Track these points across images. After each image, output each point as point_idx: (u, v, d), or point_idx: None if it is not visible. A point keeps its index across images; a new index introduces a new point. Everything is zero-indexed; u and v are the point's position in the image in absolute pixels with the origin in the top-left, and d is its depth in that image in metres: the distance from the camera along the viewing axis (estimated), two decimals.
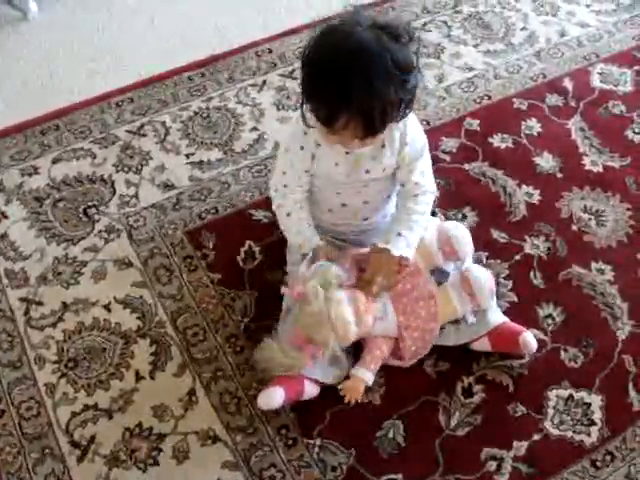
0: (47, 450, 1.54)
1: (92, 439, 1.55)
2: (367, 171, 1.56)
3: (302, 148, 1.55)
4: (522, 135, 2.07)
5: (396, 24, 1.40)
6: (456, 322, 1.62)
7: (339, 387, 1.55)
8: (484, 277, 1.61)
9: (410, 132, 1.55)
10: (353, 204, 1.64)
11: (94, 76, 2.25)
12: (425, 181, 1.60)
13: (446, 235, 1.62)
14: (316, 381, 1.55)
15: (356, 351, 1.60)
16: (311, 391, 1.56)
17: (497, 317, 1.63)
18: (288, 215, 1.63)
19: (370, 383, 1.55)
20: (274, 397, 1.51)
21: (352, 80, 1.34)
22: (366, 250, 1.63)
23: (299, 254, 1.61)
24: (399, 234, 1.57)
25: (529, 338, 1.60)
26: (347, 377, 1.56)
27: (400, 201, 1.66)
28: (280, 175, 1.62)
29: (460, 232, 1.63)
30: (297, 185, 1.61)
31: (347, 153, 1.53)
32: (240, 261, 1.81)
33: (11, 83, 2.24)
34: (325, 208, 1.67)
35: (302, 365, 1.51)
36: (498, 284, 1.72)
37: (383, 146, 1.54)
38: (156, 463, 1.52)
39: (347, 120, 1.37)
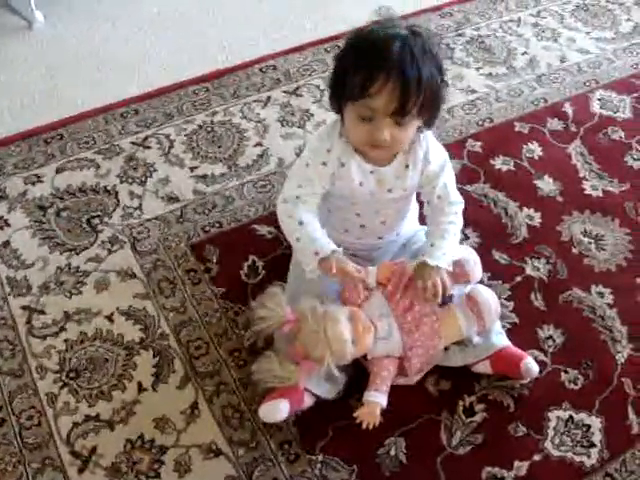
0: (47, 460, 1.53)
1: (93, 450, 1.54)
2: (389, 190, 1.58)
3: (324, 164, 1.55)
4: (523, 158, 2.10)
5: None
6: (460, 343, 1.62)
7: (354, 415, 1.52)
8: (491, 298, 1.62)
9: (432, 150, 1.58)
10: (371, 224, 1.66)
11: (98, 87, 2.26)
12: (449, 193, 1.62)
13: (458, 257, 1.61)
14: (311, 392, 1.55)
15: (356, 370, 1.60)
16: (308, 402, 1.56)
17: (501, 340, 1.64)
18: (301, 224, 1.55)
19: (385, 405, 1.53)
20: (278, 410, 1.50)
21: (391, 45, 1.39)
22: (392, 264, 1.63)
23: (308, 266, 1.54)
24: (432, 245, 1.59)
25: (531, 364, 1.60)
26: (361, 404, 1.54)
27: (430, 217, 1.66)
28: (294, 188, 1.58)
29: (471, 255, 1.64)
30: (312, 199, 1.58)
31: (371, 172, 1.55)
32: (243, 276, 1.81)
33: (16, 93, 2.25)
34: (342, 229, 1.68)
35: (295, 379, 1.50)
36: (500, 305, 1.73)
37: (407, 166, 1.56)
38: (157, 476, 1.51)
39: (384, 80, 1.38)
